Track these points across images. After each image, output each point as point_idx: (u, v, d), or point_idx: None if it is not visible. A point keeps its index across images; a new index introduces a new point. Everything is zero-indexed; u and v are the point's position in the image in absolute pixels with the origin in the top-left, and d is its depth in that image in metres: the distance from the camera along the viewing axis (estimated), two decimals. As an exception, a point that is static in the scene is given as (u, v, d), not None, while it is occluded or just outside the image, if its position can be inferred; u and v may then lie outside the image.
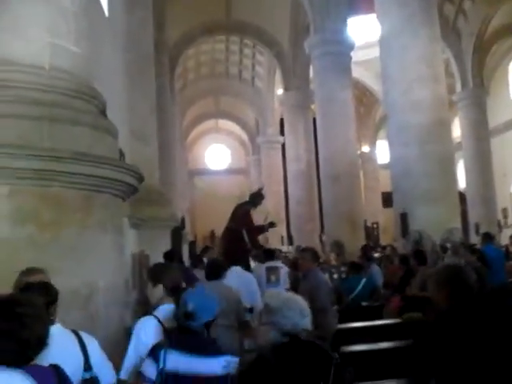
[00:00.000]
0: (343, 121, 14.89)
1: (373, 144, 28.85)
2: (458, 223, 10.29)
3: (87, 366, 2.06)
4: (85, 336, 2.17)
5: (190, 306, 2.23)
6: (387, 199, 28.88)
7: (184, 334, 2.27)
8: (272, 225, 8.35)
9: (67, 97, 3.71)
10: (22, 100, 3.47)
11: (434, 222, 9.79)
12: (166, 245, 9.69)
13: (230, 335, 3.95)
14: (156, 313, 2.99)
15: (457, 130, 20.43)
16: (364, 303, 5.95)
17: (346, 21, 15.53)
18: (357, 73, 20.32)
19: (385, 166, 28.75)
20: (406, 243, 9.77)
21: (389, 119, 11.11)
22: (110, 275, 3.70)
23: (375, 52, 22.88)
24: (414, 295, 5.68)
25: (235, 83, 25.56)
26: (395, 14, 10.63)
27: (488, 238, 7.86)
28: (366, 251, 8.56)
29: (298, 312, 1.76)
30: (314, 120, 20.41)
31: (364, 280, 6.51)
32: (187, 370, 2.14)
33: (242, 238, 7.75)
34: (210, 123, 30.54)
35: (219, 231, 27.58)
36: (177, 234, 10.95)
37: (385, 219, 26.20)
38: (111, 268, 3.79)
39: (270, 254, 7.00)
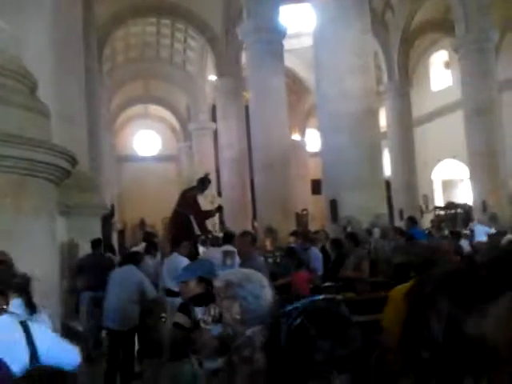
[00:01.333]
0: (276, 108, 15.04)
1: (302, 132, 29.41)
2: (384, 209, 10.77)
3: (34, 359, 1.97)
4: (33, 327, 2.07)
5: None
6: (316, 187, 29.74)
7: None
8: (220, 209, 8.43)
9: (-5, 74, 3.48)
10: None
11: (362, 208, 10.16)
12: (95, 233, 9.38)
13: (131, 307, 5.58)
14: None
15: (382, 120, 21.28)
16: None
17: (278, 8, 15.63)
18: (288, 61, 20.52)
19: (314, 154, 29.51)
20: (336, 228, 10.08)
21: (320, 108, 11.36)
22: (45, 263, 3.54)
23: (306, 41, 23.49)
24: (347, 276, 5.90)
25: (166, 67, 25.02)
26: (330, 5, 10.82)
27: (412, 221, 8.29)
28: (307, 234, 8.72)
29: (258, 284, 1.79)
30: (247, 107, 20.50)
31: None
32: None
33: (189, 223, 7.73)
34: (139, 108, 29.70)
35: (149, 219, 27.37)
36: (107, 222, 10.65)
37: (313, 206, 26.91)
38: (46, 256, 3.63)
39: (228, 238, 7.02)
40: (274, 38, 15.38)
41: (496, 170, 16.41)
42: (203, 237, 8.33)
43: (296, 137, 28.82)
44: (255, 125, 15.46)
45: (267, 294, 1.76)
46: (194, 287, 2.99)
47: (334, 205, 10.46)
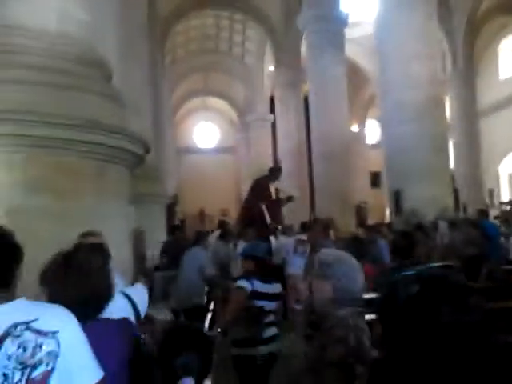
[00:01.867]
0: (337, 99, 14.84)
1: (362, 123, 28.86)
2: (450, 201, 10.39)
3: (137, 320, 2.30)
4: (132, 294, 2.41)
5: None
6: (375, 179, 29.20)
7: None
8: (290, 199, 8.44)
9: (76, 64, 3.62)
10: (29, 65, 3.37)
11: (428, 200, 9.84)
12: (160, 221, 9.65)
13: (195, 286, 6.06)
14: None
15: (446, 110, 20.50)
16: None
17: (339, -3, 15.38)
18: (347, 50, 20.18)
19: (373, 146, 28.94)
20: (399, 220, 9.83)
21: (384, 97, 11.07)
22: (122, 247, 3.67)
23: (366, 29, 22.99)
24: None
25: (225, 59, 25.24)
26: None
27: (483, 214, 7.95)
28: (374, 226, 8.55)
29: (351, 267, 1.79)
30: (306, 98, 20.34)
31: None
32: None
33: (261, 212, 7.77)
34: (198, 100, 30.19)
35: (208, 210, 27.84)
36: (171, 210, 10.92)
37: (373, 199, 26.43)
38: (123, 240, 3.76)
39: (305, 227, 7.11)
40: (334, 27, 15.16)
41: None
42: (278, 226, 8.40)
43: (355, 128, 28.34)
44: (315, 116, 15.33)
45: (359, 277, 1.74)
46: (247, 264, 3.75)
47: (397, 196, 10.19)
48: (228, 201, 29.80)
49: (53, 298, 1.52)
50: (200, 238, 6.48)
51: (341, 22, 15.34)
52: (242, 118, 28.09)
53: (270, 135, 24.13)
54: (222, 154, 30.92)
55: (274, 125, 23.28)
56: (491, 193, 21.34)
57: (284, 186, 9.37)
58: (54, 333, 1.35)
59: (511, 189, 22.74)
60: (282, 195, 8.62)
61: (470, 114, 19.66)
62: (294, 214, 18.30)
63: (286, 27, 19.77)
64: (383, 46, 10.87)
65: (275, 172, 8.76)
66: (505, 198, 21.94)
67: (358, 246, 6.22)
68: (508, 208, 19.93)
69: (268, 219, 7.79)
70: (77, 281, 1.59)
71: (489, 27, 21.10)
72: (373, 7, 22.71)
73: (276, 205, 8.37)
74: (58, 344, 1.34)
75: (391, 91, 10.48)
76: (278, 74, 20.44)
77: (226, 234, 7.50)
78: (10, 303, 1.38)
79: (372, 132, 29.89)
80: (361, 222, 10.03)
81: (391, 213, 11.06)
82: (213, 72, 26.65)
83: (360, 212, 21.03)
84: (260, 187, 8.27)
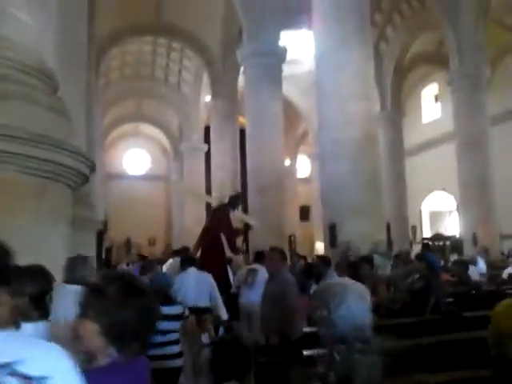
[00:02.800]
0: (273, 133, 15.02)
1: (293, 158, 29.49)
2: (383, 236, 10.69)
3: None
4: None
5: None
6: (304, 213, 29.76)
7: None
8: (248, 228, 8.40)
9: (20, 72, 3.33)
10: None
11: (361, 235, 10.06)
12: (90, 248, 9.11)
13: None
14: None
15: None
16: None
17: (279, 33, 15.75)
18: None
19: (303, 181, 29.64)
20: (335, 253, 9.95)
21: (321, 134, 11.33)
22: (59, 272, 3.33)
23: (300, 68, 23.79)
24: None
25: (160, 87, 25.01)
26: (332, 32, 10.91)
27: (427, 247, 8.21)
28: (324, 258, 8.59)
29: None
30: (241, 130, 20.51)
31: (314, 286, 6.58)
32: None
33: (219, 241, 7.76)
34: (130, 126, 29.56)
35: (136, 238, 26.95)
36: (101, 237, 10.40)
37: (302, 232, 26.83)
38: (60, 264, 3.42)
39: (259, 256, 7.08)
40: (273, 62, 15.45)
41: (486, 202, 16.54)
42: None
43: (287, 162, 28.88)
44: (251, 149, 15.36)
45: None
46: None
47: (333, 230, 10.35)
48: (156, 229, 29.10)
49: None
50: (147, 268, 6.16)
51: (279, 58, 15.68)
52: (175, 146, 27.80)
53: (203, 165, 23.97)
54: (152, 181, 30.31)
55: (208, 155, 23.20)
56: (414, 229, 22.37)
57: (242, 215, 9.31)
58: (42, 379, 1.03)
59: (432, 226, 24.01)
60: (238, 224, 8.54)
61: (397, 153, 20.65)
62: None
63: (225, 59, 20.00)
64: (321, 84, 11.18)
65: (235, 200, 8.68)
66: (426, 234, 23.11)
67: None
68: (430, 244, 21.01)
69: (227, 248, 7.67)
70: None
71: (414, 74, 22.56)
72: (307, 46, 23.65)
73: (234, 234, 8.30)
74: None
75: (328, 129, 10.74)
76: (214, 105, 20.49)
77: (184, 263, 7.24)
78: None
79: (302, 167, 30.66)
80: (293, 253, 10.09)
81: (326, 246, 11.19)
82: (147, 98, 26.30)
83: (291, 244, 21.22)
84: (220, 216, 8.14)
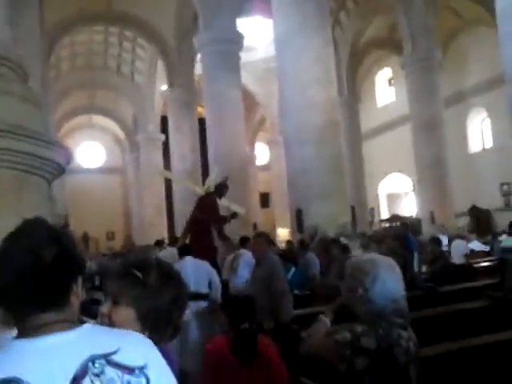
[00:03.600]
0: (233, 120, 14.93)
1: (252, 146, 29.47)
2: (348, 218, 10.88)
3: None
4: None
5: None
6: (264, 200, 29.91)
7: None
8: (234, 216, 8.39)
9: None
10: None
11: (327, 218, 10.21)
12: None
13: None
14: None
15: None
16: (296, 291, 5.94)
17: (235, 20, 15.61)
18: (239, 74, 20.61)
19: (263, 168, 29.73)
20: (304, 237, 10.05)
21: (285, 118, 11.36)
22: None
23: (255, 55, 23.73)
24: (331, 284, 5.84)
25: (113, 77, 24.35)
26: (291, 17, 10.90)
27: (406, 227, 8.44)
28: (303, 242, 8.68)
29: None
30: (200, 119, 20.29)
31: (293, 269, 6.63)
32: None
33: (208, 230, 7.75)
34: (83, 118, 28.71)
35: (93, 233, 26.32)
36: (64, 232, 10.10)
37: (262, 219, 26.94)
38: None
39: (243, 241, 7.22)
40: (230, 49, 15.31)
41: (442, 182, 17.11)
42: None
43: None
44: (212, 137, 15.21)
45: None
46: None
47: (299, 214, 10.44)
48: (114, 223, 28.56)
49: None
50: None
51: (237, 45, 15.55)
52: (130, 137, 27.24)
53: (161, 156, 23.61)
54: (108, 174, 29.62)
55: (166, 145, 22.86)
56: (372, 211, 22.91)
57: (227, 202, 9.32)
58: (142, 368, 1.01)
59: (389, 207, 24.64)
60: (225, 212, 8.61)
61: (355, 138, 20.99)
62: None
63: (180, 47, 19.65)
64: (283, 69, 11.18)
65: (222, 188, 8.68)
66: (384, 215, 23.71)
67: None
68: (387, 225, 21.58)
69: (215, 235, 7.74)
70: None
71: (368, 59, 22.93)
72: (261, 33, 23.56)
73: (222, 222, 8.33)
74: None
75: (292, 113, 10.78)
76: (171, 94, 20.13)
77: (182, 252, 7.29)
78: (77, 329, 1.03)
79: (260, 154, 30.73)
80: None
81: (293, 231, 11.29)
82: (100, 89, 25.58)
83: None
84: (207, 204, 8.13)
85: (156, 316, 1.30)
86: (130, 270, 1.31)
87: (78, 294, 1.08)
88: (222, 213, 8.82)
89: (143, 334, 1.21)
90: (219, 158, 14.74)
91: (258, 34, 23.67)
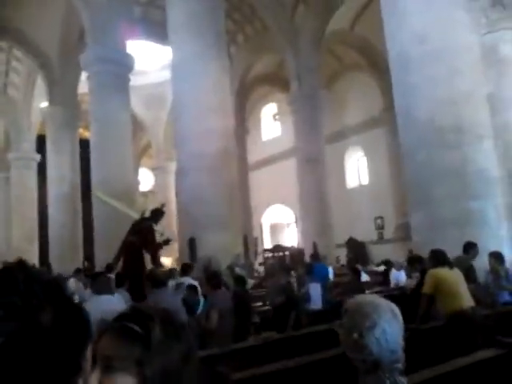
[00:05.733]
0: (121, 143, 14.31)
1: (135, 171, 28.55)
2: (241, 247, 10.82)
3: None
4: None
5: None
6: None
7: None
8: (167, 242, 8.07)
9: None
10: None
11: (221, 248, 10.06)
12: None
13: None
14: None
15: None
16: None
17: (124, 41, 15.12)
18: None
19: (145, 194, 28.96)
20: (196, 268, 9.74)
21: (179, 145, 11.11)
22: None
23: (142, 79, 23.23)
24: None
25: (-17, 90, 22.16)
26: (189, 44, 10.83)
27: (316, 258, 8.61)
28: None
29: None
30: (82, 140, 19.22)
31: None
32: None
33: (141, 256, 7.66)
34: None
35: None
36: None
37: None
38: None
39: (185, 270, 7.43)
40: (121, 70, 14.75)
41: (323, 215, 17.89)
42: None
43: (129, 175, 27.90)
44: (97, 160, 14.34)
45: None
46: None
47: (192, 244, 10.15)
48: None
49: None
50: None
51: (127, 66, 15.04)
52: (0, 155, 24.85)
53: (35, 176, 21.81)
54: (-30, 195, 26.59)
55: (40, 166, 21.19)
56: (256, 241, 23.23)
57: (161, 228, 8.87)
58: None
59: (272, 238, 25.23)
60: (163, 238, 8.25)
61: (241, 168, 21.25)
62: (62, 263, 16.55)
63: (63, 64, 18.51)
64: (179, 96, 10.99)
65: (159, 214, 8.27)
66: (267, 245, 24.18)
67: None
68: (270, 255, 21.98)
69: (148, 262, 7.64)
70: None
71: (256, 93, 23.63)
72: (150, 57, 23.22)
73: (158, 247, 8.04)
74: None
75: (188, 140, 10.59)
76: (51, 112, 18.79)
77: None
78: None
79: (144, 180, 29.97)
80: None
81: (182, 259, 10.91)
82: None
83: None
84: (144, 229, 7.81)
85: (162, 380, 0.97)
86: (126, 325, 0.95)
87: None
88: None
89: None
90: (104, 182, 13.93)
91: (147, 58, 23.29)
